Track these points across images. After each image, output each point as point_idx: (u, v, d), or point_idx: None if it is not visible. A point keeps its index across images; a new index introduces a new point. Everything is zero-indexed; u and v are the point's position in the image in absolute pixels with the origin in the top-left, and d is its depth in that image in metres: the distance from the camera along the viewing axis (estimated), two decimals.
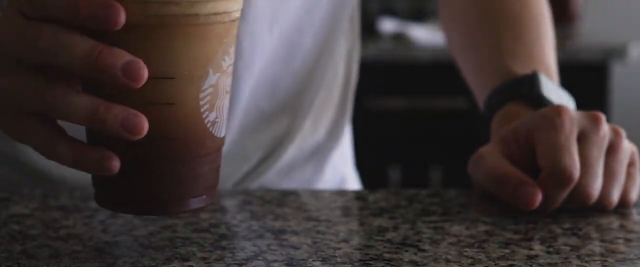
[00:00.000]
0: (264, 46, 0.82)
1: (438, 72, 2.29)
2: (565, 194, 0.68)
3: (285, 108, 0.86)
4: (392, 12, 2.60)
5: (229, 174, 0.85)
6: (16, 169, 0.84)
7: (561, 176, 0.67)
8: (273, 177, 0.87)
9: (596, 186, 0.68)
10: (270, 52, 0.83)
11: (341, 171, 0.93)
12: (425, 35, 2.34)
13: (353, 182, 0.96)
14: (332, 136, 0.90)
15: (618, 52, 2.30)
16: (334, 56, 0.89)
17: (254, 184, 0.86)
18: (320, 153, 0.90)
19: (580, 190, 0.68)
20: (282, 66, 0.85)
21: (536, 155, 0.69)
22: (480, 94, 0.84)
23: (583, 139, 0.69)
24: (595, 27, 2.62)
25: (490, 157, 0.71)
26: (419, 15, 2.62)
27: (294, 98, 0.86)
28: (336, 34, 0.88)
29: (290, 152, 0.87)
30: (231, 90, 0.82)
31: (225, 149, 0.84)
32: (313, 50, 0.86)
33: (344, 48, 0.90)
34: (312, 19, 0.85)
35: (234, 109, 0.83)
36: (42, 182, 0.83)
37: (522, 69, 0.80)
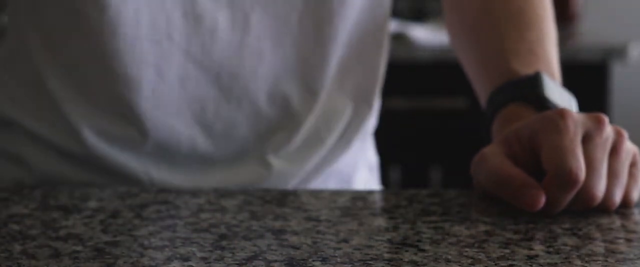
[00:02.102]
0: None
1: (438, 72, 2.29)
2: (570, 196, 0.67)
3: (351, 97, 0.90)
4: (392, 12, 2.60)
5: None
6: (19, 168, 0.84)
7: (567, 178, 0.67)
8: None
9: (601, 188, 0.68)
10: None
11: (370, 159, 0.98)
12: (425, 35, 2.33)
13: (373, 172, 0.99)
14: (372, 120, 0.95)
15: (618, 52, 2.30)
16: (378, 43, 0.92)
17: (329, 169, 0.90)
18: (366, 139, 0.95)
19: (585, 192, 0.68)
20: (356, 55, 0.89)
21: (540, 157, 0.69)
22: (482, 92, 0.84)
23: (587, 141, 0.69)
24: (595, 27, 2.62)
25: (493, 158, 0.71)
26: (419, 15, 2.62)
27: (357, 86, 0.90)
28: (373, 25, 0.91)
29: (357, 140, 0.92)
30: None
31: (305, 133, 0.87)
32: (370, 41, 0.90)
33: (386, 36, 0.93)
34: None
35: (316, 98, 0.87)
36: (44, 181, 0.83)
37: (524, 68, 0.80)
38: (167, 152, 0.83)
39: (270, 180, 0.86)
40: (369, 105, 0.91)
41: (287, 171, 0.86)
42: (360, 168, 0.94)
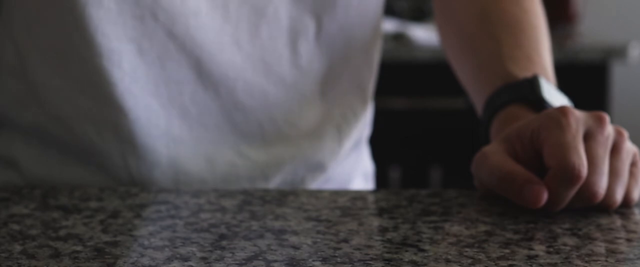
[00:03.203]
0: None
1: (438, 72, 2.28)
2: (572, 193, 0.68)
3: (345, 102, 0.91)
4: (392, 12, 2.60)
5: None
6: (15, 173, 0.84)
7: (569, 174, 0.67)
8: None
9: (603, 185, 0.68)
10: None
11: (365, 162, 0.99)
12: (425, 35, 2.33)
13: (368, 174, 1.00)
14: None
15: (618, 52, 2.30)
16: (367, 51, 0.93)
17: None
18: (360, 142, 0.96)
19: (587, 188, 0.68)
20: (342, 64, 0.90)
21: (542, 155, 0.69)
22: (479, 95, 0.84)
23: (588, 139, 0.69)
24: (595, 27, 2.62)
25: (494, 155, 0.71)
26: (419, 15, 2.62)
27: (344, 96, 0.91)
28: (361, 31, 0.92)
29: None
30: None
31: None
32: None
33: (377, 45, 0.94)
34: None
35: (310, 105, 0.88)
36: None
37: (522, 73, 0.80)
38: (145, 137, 0.82)
39: (247, 172, 0.85)
40: (356, 116, 0.92)
41: (263, 163, 0.86)
42: (356, 176, 0.94)
